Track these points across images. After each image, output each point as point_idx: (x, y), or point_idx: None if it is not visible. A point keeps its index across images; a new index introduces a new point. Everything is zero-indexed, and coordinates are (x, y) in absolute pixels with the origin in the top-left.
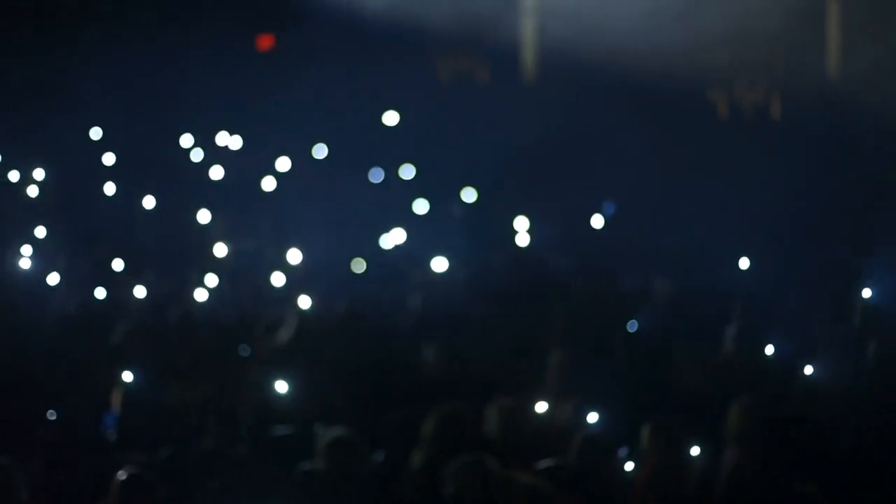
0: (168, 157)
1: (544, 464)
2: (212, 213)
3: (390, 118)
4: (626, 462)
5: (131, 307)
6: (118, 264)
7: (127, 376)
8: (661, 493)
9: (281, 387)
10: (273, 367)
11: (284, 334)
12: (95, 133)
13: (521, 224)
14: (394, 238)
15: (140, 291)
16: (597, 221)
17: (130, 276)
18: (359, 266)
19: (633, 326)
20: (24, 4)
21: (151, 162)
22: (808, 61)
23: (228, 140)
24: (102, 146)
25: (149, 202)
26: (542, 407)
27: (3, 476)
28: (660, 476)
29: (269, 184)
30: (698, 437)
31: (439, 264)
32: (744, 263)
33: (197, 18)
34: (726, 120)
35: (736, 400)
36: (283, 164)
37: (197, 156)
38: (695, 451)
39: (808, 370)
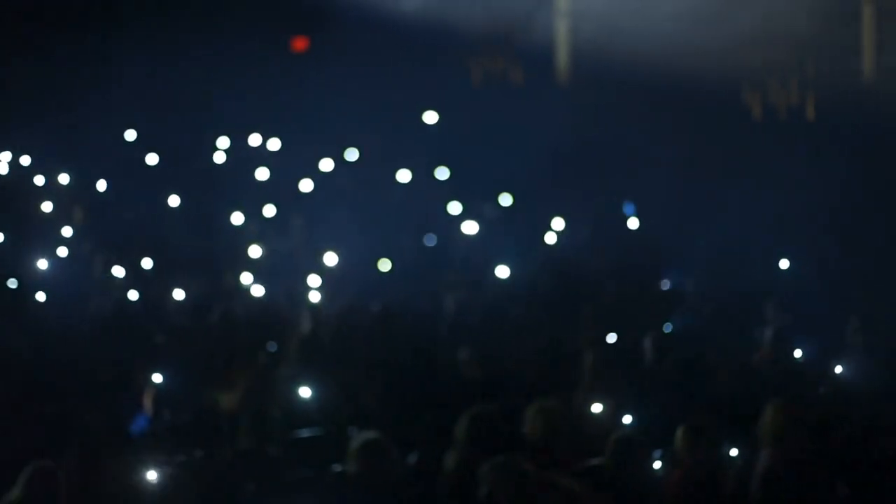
0: (202, 159)
1: (579, 464)
2: (246, 214)
3: (430, 117)
4: (657, 463)
5: (168, 309)
6: (152, 266)
7: (159, 377)
8: (695, 494)
9: (311, 389)
10: (306, 369)
11: (303, 331)
12: (130, 135)
13: (558, 225)
14: (468, 229)
15: (178, 293)
16: (632, 223)
17: (166, 278)
18: (384, 266)
19: (667, 328)
20: (56, 7)
21: (185, 163)
22: (841, 61)
23: (264, 142)
24: (137, 148)
25: (183, 203)
26: (590, 407)
27: (47, 477)
28: (693, 477)
29: (304, 185)
30: (732, 438)
31: (502, 272)
32: (783, 264)
33: (230, 20)
34: (759, 121)
35: (770, 401)
36: (319, 165)
37: (231, 157)
38: (728, 452)
39: (840, 370)
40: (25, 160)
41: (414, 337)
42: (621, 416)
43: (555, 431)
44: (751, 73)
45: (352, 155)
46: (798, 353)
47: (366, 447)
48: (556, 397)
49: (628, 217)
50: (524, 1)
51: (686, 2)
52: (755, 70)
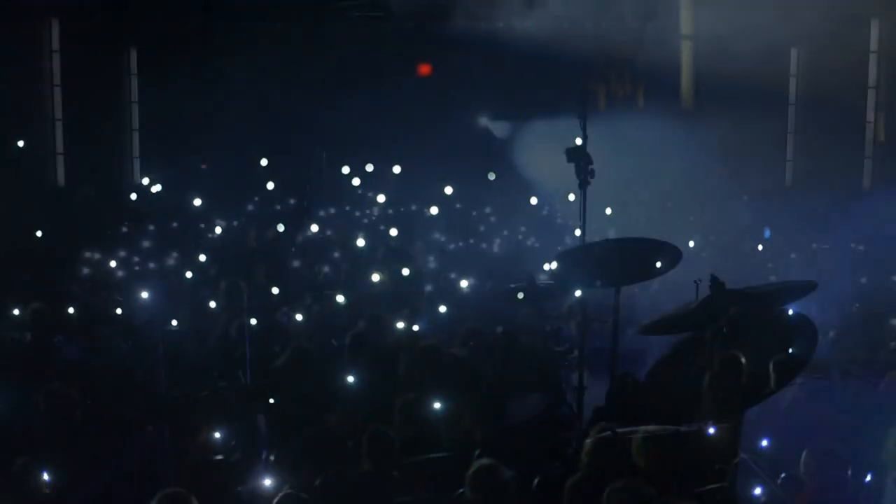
0: (327, 185)
1: (700, 488)
2: (370, 239)
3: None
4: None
5: (291, 332)
6: (277, 290)
7: (278, 400)
8: None
9: (432, 411)
10: (426, 391)
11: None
12: (263, 162)
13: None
14: None
15: (299, 317)
16: (757, 247)
17: (290, 302)
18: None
19: (791, 352)
20: (182, 37)
21: (310, 189)
22: None
23: (386, 167)
24: (266, 174)
25: (310, 228)
26: (709, 431)
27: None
28: (818, 501)
29: (429, 210)
30: (857, 462)
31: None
32: None
33: (355, 48)
34: (883, 142)
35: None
36: (444, 190)
37: (355, 183)
38: (853, 475)
39: None
40: (157, 187)
41: (535, 360)
42: (743, 440)
43: (663, 462)
44: (875, 93)
45: (492, 176)
46: None
47: (479, 472)
48: (676, 421)
49: (765, 240)
50: (647, 25)
51: (807, 22)
52: (879, 91)
